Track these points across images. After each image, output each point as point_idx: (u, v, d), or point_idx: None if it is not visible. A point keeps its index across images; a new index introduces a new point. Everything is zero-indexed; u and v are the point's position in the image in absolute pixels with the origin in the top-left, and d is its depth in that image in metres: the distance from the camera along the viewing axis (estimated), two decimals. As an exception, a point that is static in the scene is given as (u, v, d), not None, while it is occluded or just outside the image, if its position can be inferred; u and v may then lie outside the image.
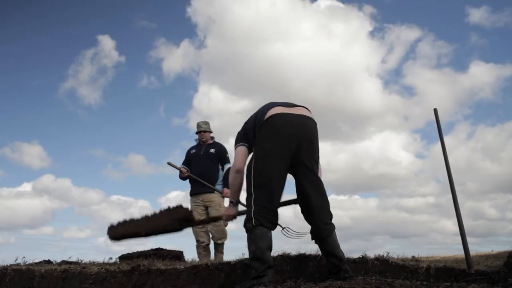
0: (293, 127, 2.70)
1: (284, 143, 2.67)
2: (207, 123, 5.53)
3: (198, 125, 5.47)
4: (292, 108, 2.79)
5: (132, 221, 3.24)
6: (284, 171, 2.72)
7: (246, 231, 2.69)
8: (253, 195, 2.68)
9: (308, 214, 2.82)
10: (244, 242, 3.05)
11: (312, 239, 2.85)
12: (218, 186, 5.24)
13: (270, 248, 2.65)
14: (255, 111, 2.97)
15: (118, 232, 3.26)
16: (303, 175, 2.77)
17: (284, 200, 2.99)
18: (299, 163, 2.74)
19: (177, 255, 4.99)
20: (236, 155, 2.91)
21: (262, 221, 2.61)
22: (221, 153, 5.39)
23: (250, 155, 2.90)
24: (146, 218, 3.19)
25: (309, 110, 2.88)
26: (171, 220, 3.07)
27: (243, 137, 2.96)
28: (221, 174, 5.35)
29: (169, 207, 3.18)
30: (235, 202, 2.96)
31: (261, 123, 2.76)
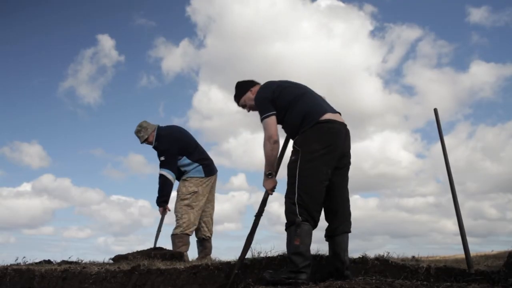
0: (342, 139, 2.82)
1: (334, 151, 2.75)
2: (139, 130, 4.71)
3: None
4: (336, 115, 2.90)
5: None
6: (328, 177, 2.75)
7: (291, 225, 2.66)
8: (296, 194, 2.67)
9: (329, 213, 2.88)
10: (243, 242, 3.05)
11: (325, 236, 2.91)
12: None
13: (310, 246, 2.68)
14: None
15: None
16: (336, 178, 2.84)
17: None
18: (339, 165, 2.83)
19: (178, 256, 4.97)
20: (270, 125, 2.89)
21: (308, 219, 2.64)
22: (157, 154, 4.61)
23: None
24: None
25: (340, 115, 2.98)
26: None
27: (271, 105, 2.93)
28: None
29: None
30: (273, 174, 2.98)
31: (312, 121, 2.77)
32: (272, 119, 2.90)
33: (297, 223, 2.62)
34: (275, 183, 3.01)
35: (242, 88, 3.28)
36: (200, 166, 4.64)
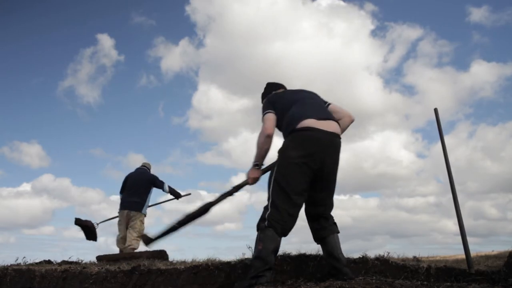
0: (322, 146, 2.71)
1: (311, 160, 2.69)
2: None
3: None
4: (324, 122, 2.77)
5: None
6: (305, 185, 2.71)
7: (257, 230, 2.70)
8: (271, 199, 2.70)
9: (311, 214, 2.86)
10: (244, 242, 3.07)
11: (314, 239, 2.89)
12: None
13: (276, 251, 2.67)
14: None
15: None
16: (320, 185, 2.79)
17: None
18: (320, 176, 2.76)
19: (160, 255, 5.27)
20: (267, 121, 2.93)
21: (275, 225, 2.63)
22: None
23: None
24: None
25: (337, 123, 2.87)
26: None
27: (270, 106, 3.01)
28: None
29: None
30: (260, 165, 2.98)
31: (291, 128, 2.78)
32: (270, 115, 2.95)
33: (261, 228, 2.66)
34: (259, 174, 3.00)
35: (268, 89, 3.38)
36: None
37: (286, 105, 2.95)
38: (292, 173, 2.68)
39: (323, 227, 2.84)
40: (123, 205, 6.37)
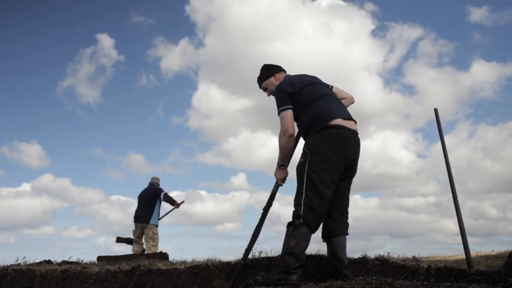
0: (351, 146, 2.82)
1: (342, 158, 2.76)
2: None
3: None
4: (349, 122, 2.87)
5: None
6: (336, 181, 2.78)
7: (290, 226, 2.71)
8: (303, 195, 2.70)
9: (327, 215, 2.86)
10: (244, 242, 3.07)
11: (322, 237, 2.92)
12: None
13: (306, 249, 2.71)
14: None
15: None
16: (341, 184, 2.87)
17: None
18: (345, 171, 2.83)
19: (160, 255, 5.38)
20: (286, 119, 2.91)
21: (309, 223, 2.65)
22: None
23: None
24: None
25: (355, 122, 2.95)
26: None
27: (288, 99, 2.96)
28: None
29: None
30: (286, 164, 3.02)
31: (322, 125, 2.79)
32: (289, 113, 2.93)
33: (296, 224, 2.66)
34: (287, 174, 3.03)
35: (267, 71, 3.32)
36: None
37: (309, 100, 2.93)
38: (325, 170, 2.71)
39: (334, 226, 2.87)
40: (135, 219, 7.33)
